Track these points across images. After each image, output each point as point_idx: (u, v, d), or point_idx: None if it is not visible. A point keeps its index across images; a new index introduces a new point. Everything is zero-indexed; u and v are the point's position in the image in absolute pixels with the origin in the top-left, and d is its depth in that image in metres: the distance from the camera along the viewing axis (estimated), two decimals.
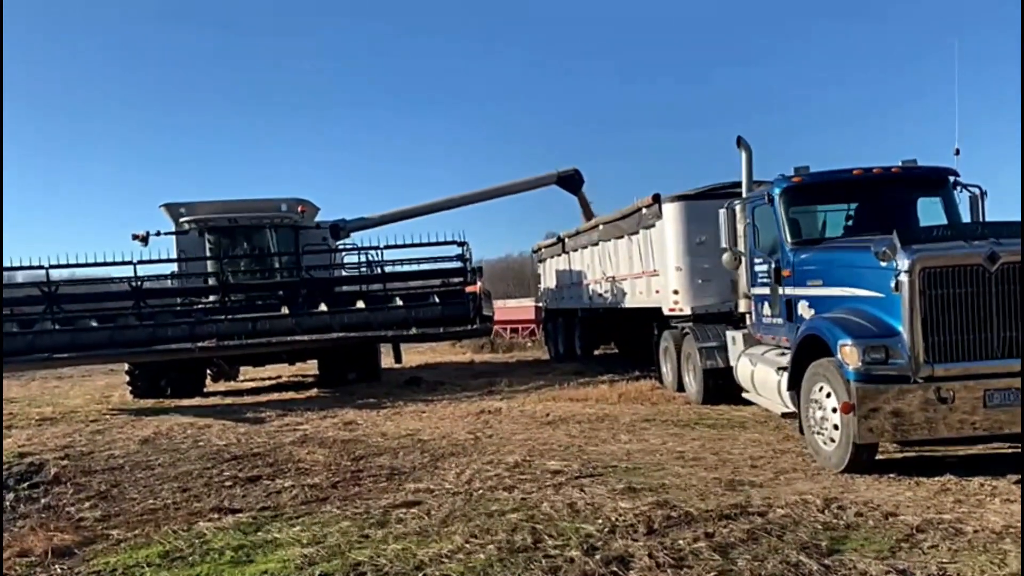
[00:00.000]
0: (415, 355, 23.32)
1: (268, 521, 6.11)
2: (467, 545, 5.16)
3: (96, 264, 14.56)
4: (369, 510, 6.27)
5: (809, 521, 5.33)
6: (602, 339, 19.02)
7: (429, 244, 15.62)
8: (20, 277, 15.99)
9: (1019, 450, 7.23)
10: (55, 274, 14.51)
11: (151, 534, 5.92)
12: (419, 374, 17.20)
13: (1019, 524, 5.01)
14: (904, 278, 6.43)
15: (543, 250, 22.38)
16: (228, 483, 7.58)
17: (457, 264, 15.59)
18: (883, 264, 6.64)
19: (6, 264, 14.11)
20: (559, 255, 20.17)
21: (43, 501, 7.28)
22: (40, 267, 14.19)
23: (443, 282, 16.06)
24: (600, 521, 5.52)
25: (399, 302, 15.55)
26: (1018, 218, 7.16)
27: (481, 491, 6.68)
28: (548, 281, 21.73)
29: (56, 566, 5.31)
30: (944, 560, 4.54)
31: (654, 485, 6.58)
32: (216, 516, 6.31)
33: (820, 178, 8.68)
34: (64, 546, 5.66)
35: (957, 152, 8.64)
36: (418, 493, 6.75)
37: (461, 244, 15.50)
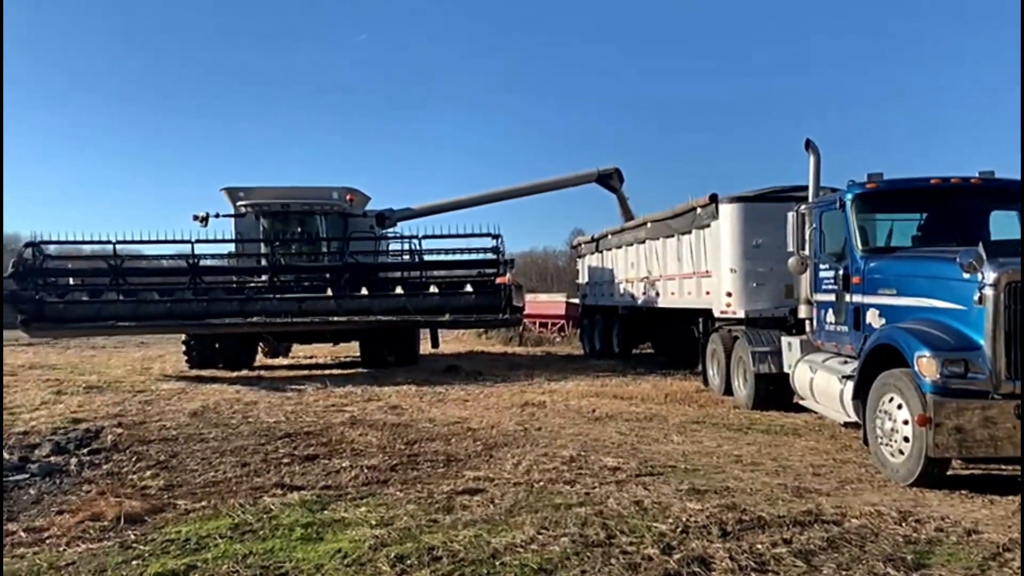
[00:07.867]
0: (448, 343, 23.39)
1: (332, 500, 6.13)
2: (539, 536, 5.11)
3: (158, 241, 15.81)
4: (432, 495, 6.26)
5: (888, 533, 5.21)
6: (641, 338, 18.86)
7: (465, 236, 16.15)
8: (88, 250, 17.20)
9: None
10: (121, 249, 15.62)
11: (218, 506, 5.96)
12: (457, 362, 17.25)
13: None
14: (989, 291, 6.27)
15: (583, 246, 22.20)
16: (286, 460, 7.62)
17: (491, 256, 15.89)
18: (967, 276, 6.47)
19: (77, 237, 15.40)
20: (600, 252, 20.01)
21: (105, 467, 7.38)
22: (108, 242, 15.36)
23: (478, 272, 16.43)
24: (671, 520, 5.43)
25: (435, 290, 16.03)
26: None
27: (542, 483, 6.64)
28: (586, 277, 21.59)
29: (129, 532, 5.35)
30: None
31: (718, 487, 6.48)
32: (280, 492, 6.35)
33: (895, 185, 8.49)
34: (134, 513, 5.71)
35: None
36: (478, 481, 6.73)
37: (495, 237, 15.86)
